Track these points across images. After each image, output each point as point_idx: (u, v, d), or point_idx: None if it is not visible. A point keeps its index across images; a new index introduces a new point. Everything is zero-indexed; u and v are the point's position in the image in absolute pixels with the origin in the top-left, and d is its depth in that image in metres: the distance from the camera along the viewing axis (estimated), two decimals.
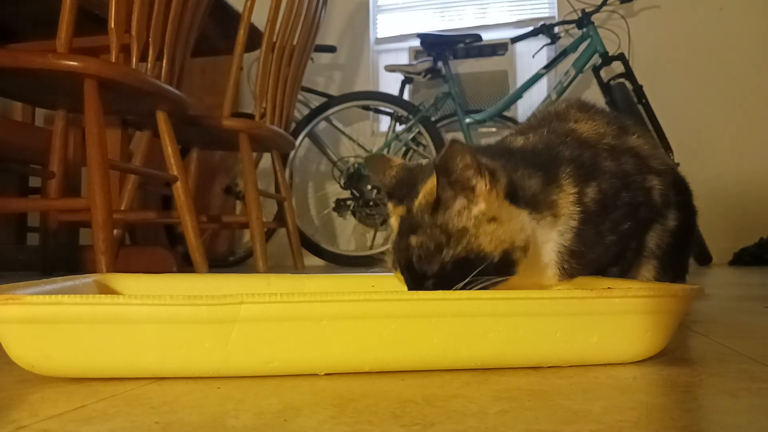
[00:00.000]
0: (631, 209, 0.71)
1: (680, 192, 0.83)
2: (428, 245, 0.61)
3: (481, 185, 0.62)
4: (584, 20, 2.81)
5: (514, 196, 0.64)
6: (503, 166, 0.65)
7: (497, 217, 0.62)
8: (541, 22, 2.91)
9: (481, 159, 0.62)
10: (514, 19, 3.38)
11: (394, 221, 0.68)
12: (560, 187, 0.67)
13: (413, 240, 0.62)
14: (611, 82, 2.78)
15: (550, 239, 0.66)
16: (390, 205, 0.70)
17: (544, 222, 0.66)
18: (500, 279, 0.61)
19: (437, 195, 0.62)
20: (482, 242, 0.61)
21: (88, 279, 0.67)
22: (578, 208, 0.67)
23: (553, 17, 3.24)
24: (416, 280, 0.63)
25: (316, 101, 3.13)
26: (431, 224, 0.62)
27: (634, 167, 0.73)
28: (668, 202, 0.78)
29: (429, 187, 0.64)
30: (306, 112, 3.12)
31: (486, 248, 0.61)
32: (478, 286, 0.60)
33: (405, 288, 0.65)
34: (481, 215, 0.62)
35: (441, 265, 0.61)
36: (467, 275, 0.60)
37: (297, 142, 3.04)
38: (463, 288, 0.60)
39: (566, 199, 0.67)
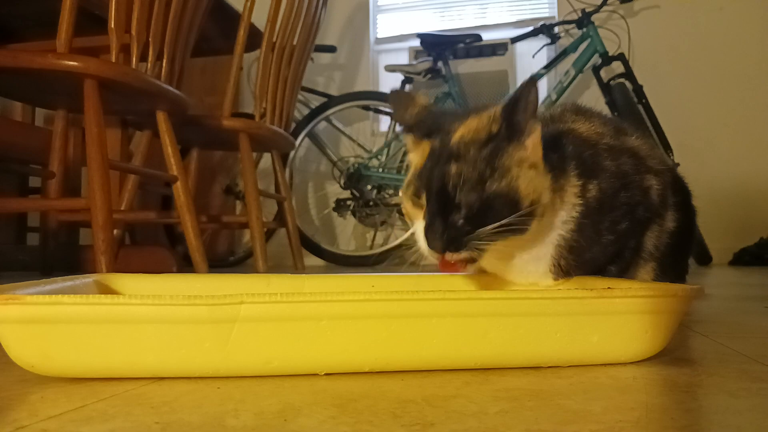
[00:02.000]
0: (629, 209, 0.71)
1: (679, 192, 0.83)
2: (470, 174, 0.61)
3: (537, 130, 0.63)
4: (584, 20, 2.81)
5: (544, 157, 0.65)
6: None
7: (537, 166, 0.63)
8: (541, 22, 2.91)
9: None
10: (514, 19, 3.38)
11: (416, 154, 0.68)
12: (567, 176, 0.68)
13: (453, 167, 0.62)
14: (611, 82, 2.77)
15: (553, 226, 0.67)
16: (410, 139, 0.70)
17: (554, 198, 0.66)
18: (520, 226, 0.62)
19: (493, 130, 0.62)
20: (520, 184, 0.62)
21: (88, 279, 0.67)
22: (580, 201, 0.67)
23: (553, 17, 3.24)
24: (444, 209, 0.61)
25: (316, 101, 3.13)
26: (476, 157, 0.62)
27: (632, 167, 0.73)
28: (666, 202, 0.77)
29: (474, 125, 0.64)
30: (306, 112, 3.12)
31: (522, 192, 0.62)
32: (499, 230, 0.61)
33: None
34: (525, 159, 0.63)
35: (480, 195, 0.61)
36: (498, 215, 0.60)
37: (297, 142, 3.04)
38: (488, 231, 0.60)
39: (571, 189, 0.67)
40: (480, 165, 0.62)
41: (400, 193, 0.69)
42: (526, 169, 0.62)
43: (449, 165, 0.62)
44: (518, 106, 0.61)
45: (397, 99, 0.76)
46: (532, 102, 0.61)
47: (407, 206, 0.67)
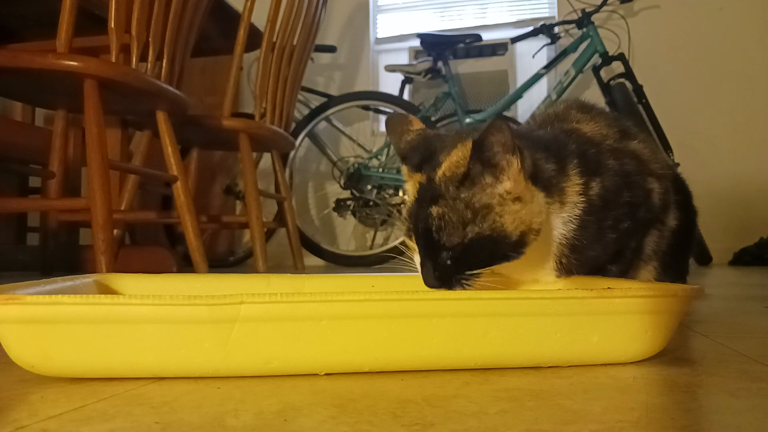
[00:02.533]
0: (632, 209, 0.71)
1: (680, 192, 0.83)
2: (450, 217, 0.61)
3: (513, 164, 0.62)
4: (584, 20, 2.81)
5: (535, 177, 0.65)
6: (527, 146, 0.66)
7: (522, 197, 0.63)
8: (541, 22, 2.91)
9: (515, 138, 0.62)
10: (514, 19, 3.38)
11: (410, 186, 0.69)
12: (568, 176, 0.67)
13: (434, 210, 0.62)
14: (611, 82, 2.77)
15: (554, 226, 0.67)
16: (405, 170, 0.71)
17: (553, 207, 0.66)
18: (511, 255, 0.63)
19: (468, 169, 0.62)
20: (506, 221, 0.62)
21: (88, 279, 0.67)
22: (582, 199, 0.67)
23: (553, 17, 3.24)
24: (432, 250, 0.63)
25: (316, 101, 3.13)
26: (455, 197, 0.62)
27: (635, 168, 0.73)
28: (667, 206, 0.78)
29: (455, 158, 0.64)
30: (306, 112, 3.12)
31: (508, 228, 0.62)
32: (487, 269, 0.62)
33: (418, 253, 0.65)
34: (507, 194, 0.62)
35: (462, 239, 0.61)
36: (484, 253, 0.62)
37: (297, 142, 3.04)
38: (476, 268, 0.62)
39: (573, 188, 0.67)
40: (459, 206, 0.62)
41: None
42: (509, 204, 0.62)
43: (431, 208, 0.63)
44: (487, 144, 0.60)
45: (393, 126, 0.75)
46: (505, 139, 0.60)
47: (406, 240, 0.69)
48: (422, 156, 0.68)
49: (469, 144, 0.64)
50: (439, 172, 0.64)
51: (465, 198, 0.62)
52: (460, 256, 0.62)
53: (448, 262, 0.62)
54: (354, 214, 3.11)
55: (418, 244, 0.64)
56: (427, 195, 0.64)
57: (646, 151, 0.77)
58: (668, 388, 0.47)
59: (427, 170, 0.66)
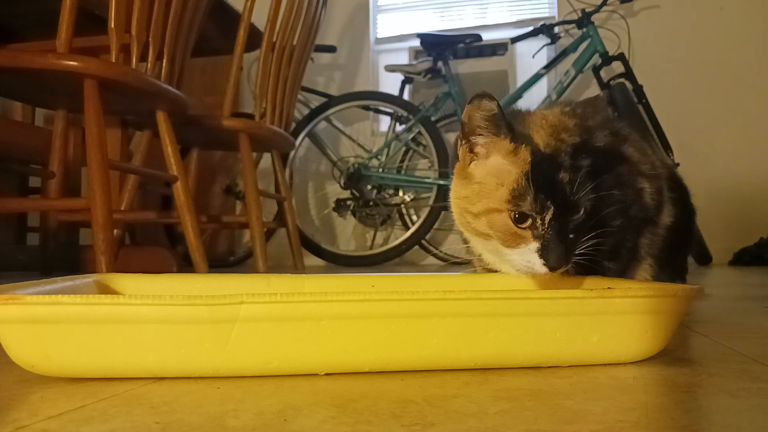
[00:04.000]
0: (623, 207, 0.73)
1: (676, 189, 0.84)
2: (582, 182, 0.63)
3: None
4: (584, 20, 2.81)
5: None
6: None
7: None
8: (541, 22, 2.91)
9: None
10: (514, 19, 3.38)
11: (513, 166, 0.64)
12: None
13: (563, 176, 0.63)
14: (611, 82, 2.77)
15: None
16: (486, 140, 0.66)
17: None
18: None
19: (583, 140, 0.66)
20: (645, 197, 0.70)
21: (88, 279, 0.67)
22: None
23: (553, 17, 3.24)
24: (566, 212, 0.63)
25: (316, 101, 3.13)
26: (574, 166, 0.64)
27: (625, 169, 0.75)
28: (660, 205, 0.79)
29: (558, 126, 0.67)
30: (306, 112, 3.12)
31: (648, 203, 0.70)
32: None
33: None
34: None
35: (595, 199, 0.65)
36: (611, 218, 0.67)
37: (297, 142, 3.04)
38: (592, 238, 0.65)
39: None
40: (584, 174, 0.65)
41: (462, 213, 0.70)
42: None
43: (560, 174, 0.64)
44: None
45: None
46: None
47: (499, 230, 0.65)
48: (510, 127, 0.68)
49: (567, 115, 0.69)
50: (545, 143, 0.66)
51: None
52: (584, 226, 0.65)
53: (571, 236, 0.64)
54: (354, 214, 3.11)
55: (542, 215, 0.62)
56: (548, 166, 0.64)
57: (635, 154, 0.79)
58: (668, 388, 0.47)
59: (518, 142, 0.65)
